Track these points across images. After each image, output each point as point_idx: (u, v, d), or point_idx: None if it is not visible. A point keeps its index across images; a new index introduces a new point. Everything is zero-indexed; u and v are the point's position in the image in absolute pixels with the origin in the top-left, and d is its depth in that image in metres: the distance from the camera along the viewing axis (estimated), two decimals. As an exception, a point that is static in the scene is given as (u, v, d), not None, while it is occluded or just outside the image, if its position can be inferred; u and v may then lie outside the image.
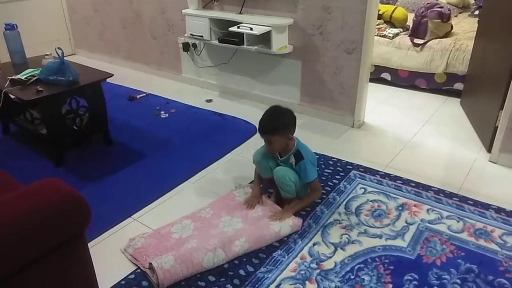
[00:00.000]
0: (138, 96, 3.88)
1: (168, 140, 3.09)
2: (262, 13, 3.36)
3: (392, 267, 1.87)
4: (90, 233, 1.57)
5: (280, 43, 3.23)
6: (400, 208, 2.27)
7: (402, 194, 2.39)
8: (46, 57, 3.11)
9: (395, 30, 4.10)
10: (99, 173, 2.65)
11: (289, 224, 2.09)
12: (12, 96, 2.88)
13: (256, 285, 1.78)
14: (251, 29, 3.13)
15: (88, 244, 1.50)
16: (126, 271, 1.87)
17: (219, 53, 3.79)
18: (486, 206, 2.26)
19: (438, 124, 3.29)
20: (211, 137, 3.12)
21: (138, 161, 2.80)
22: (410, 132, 3.16)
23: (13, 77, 2.69)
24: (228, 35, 3.41)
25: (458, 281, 1.79)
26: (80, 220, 1.36)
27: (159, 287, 1.74)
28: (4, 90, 2.61)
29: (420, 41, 3.85)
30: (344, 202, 2.32)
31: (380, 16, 4.19)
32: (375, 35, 3.72)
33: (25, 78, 2.68)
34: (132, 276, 1.84)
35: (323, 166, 2.67)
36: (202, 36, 3.56)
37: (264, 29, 3.12)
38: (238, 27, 3.22)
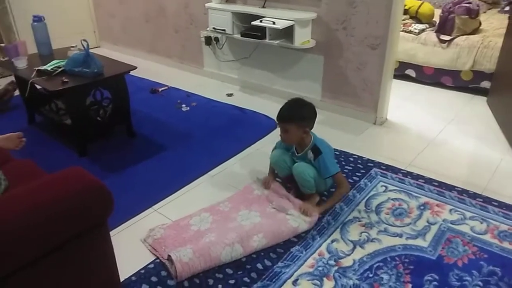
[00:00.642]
0: (160, 89, 3.92)
1: (189, 133, 3.11)
2: (285, 7, 3.34)
3: (412, 267, 1.84)
4: (111, 223, 1.60)
5: (303, 37, 3.21)
6: (422, 207, 2.23)
7: (424, 193, 2.34)
8: (71, 48, 3.17)
9: (421, 26, 4.01)
10: (121, 164, 2.69)
11: (307, 220, 2.08)
12: (38, 87, 2.95)
13: (273, 280, 1.79)
14: (274, 23, 3.11)
15: (110, 233, 1.53)
16: (146, 260, 1.90)
17: (241, 47, 3.79)
18: (511, 208, 2.20)
19: (463, 123, 3.22)
20: (231, 131, 3.13)
21: (159, 153, 2.83)
22: (434, 130, 3.10)
23: (40, 68, 2.76)
24: (250, 29, 3.40)
25: (480, 283, 1.75)
26: (103, 209, 1.39)
27: (178, 279, 1.77)
28: (30, 81, 2.68)
29: (447, 38, 3.76)
30: (365, 200, 2.30)
31: (406, 11, 4.10)
32: (400, 31, 3.65)
33: (51, 69, 2.74)
34: (152, 265, 1.87)
35: (343, 163, 2.65)
36: (224, 30, 3.56)
37: (287, 23, 3.10)
38: (261, 21, 3.20)
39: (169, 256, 1.83)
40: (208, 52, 4.12)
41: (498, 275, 1.79)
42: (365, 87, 3.17)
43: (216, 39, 3.94)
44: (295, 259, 1.89)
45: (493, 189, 2.38)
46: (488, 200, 2.27)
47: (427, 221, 2.12)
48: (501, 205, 2.23)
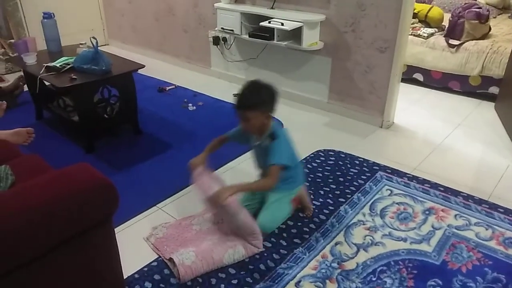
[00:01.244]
0: (168, 88, 3.93)
1: (195, 133, 3.12)
2: (294, 9, 3.33)
3: (415, 272, 1.83)
4: (116, 219, 1.60)
5: (311, 39, 3.20)
6: (427, 212, 2.22)
7: (430, 198, 2.33)
8: (80, 45, 3.19)
9: (430, 30, 3.99)
10: (127, 162, 2.70)
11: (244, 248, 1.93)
12: (47, 83, 2.97)
13: (276, 281, 1.78)
14: (282, 24, 3.11)
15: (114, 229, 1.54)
16: (149, 258, 1.91)
17: (249, 48, 3.79)
18: (518, 215, 2.18)
19: (471, 128, 3.20)
20: (237, 131, 3.13)
21: (165, 151, 2.84)
22: (440, 135, 3.08)
23: (48, 64, 2.78)
24: (258, 30, 3.40)
25: (484, 290, 1.74)
26: (108, 205, 1.40)
27: (181, 281, 1.77)
28: (39, 77, 2.70)
29: (456, 42, 3.73)
30: (369, 203, 2.29)
31: (415, 15, 4.09)
32: (409, 35, 3.64)
33: (60, 65, 2.76)
34: (155, 263, 1.87)
35: (349, 166, 2.64)
36: (232, 30, 3.56)
37: (295, 25, 3.10)
38: (269, 22, 3.20)
39: (171, 258, 1.84)
40: (216, 52, 4.12)
41: (503, 282, 1.77)
42: (373, 90, 3.16)
43: (224, 39, 3.95)
44: (298, 261, 1.89)
45: (499, 196, 2.36)
46: (494, 207, 2.25)
47: (432, 226, 2.11)
48: (507, 211, 2.21)
